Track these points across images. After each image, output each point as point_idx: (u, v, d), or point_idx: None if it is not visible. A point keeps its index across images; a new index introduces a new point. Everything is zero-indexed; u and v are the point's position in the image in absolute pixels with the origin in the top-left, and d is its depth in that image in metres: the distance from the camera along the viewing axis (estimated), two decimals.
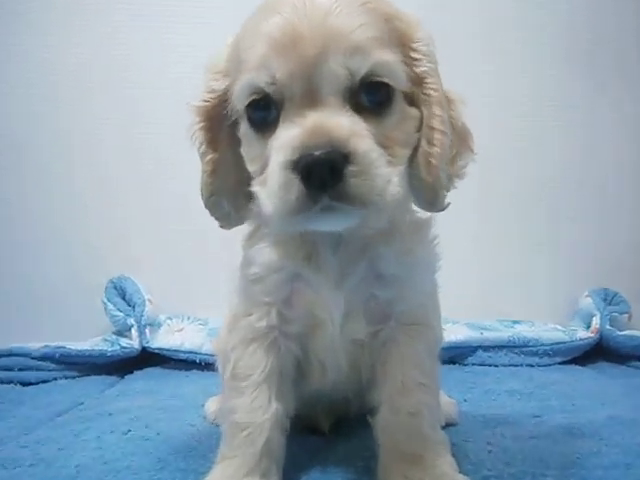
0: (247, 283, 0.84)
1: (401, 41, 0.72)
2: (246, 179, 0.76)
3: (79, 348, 1.54)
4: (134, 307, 1.66)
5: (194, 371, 1.59)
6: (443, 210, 0.80)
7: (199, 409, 1.19)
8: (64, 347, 1.52)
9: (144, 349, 1.61)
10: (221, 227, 0.87)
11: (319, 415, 1.00)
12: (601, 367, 1.65)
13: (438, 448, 0.80)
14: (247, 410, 0.80)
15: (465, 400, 1.28)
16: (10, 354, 1.49)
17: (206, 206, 0.84)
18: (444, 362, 1.59)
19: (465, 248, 1.86)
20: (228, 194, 0.83)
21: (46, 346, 1.52)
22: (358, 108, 0.68)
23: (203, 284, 1.76)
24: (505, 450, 0.95)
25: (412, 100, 0.74)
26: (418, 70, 0.73)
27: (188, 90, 0.80)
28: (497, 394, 1.34)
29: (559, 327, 1.76)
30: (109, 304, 1.67)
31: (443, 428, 1.07)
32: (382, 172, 0.66)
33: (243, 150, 0.76)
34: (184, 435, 1.06)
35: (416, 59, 0.73)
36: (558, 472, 0.87)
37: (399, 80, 0.71)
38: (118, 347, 1.57)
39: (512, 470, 0.87)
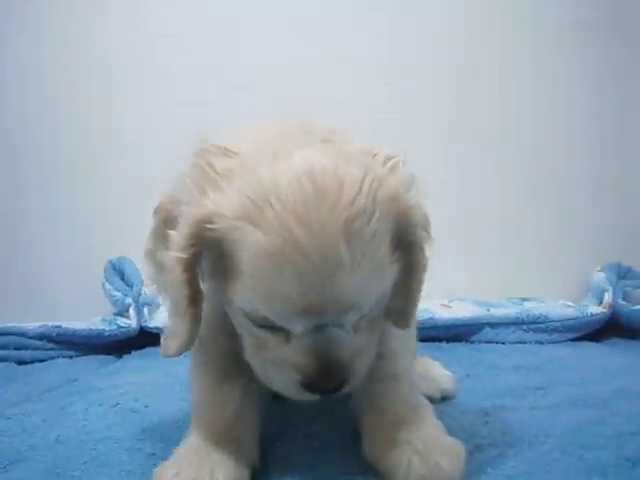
0: None
1: (397, 218, 0.65)
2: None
3: (76, 327, 1.51)
4: (132, 287, 1.63)
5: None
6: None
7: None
8: (61, 326, 1.50)
9: (143, 329, 1.59)
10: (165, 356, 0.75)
11: None
12: (614, 343, 1.57)
13: (422, 410, 0.77)
14: None
15: (468, 375, 1.22)
16: (6, 333, 1.47)
17: (179, 353, 0.73)
18: (449, 339, 1.58)
19: (471, 226, 1.82)
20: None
21: (43, 325, 1.50)
22: None
23: None
24: (503, 420, 0.91)
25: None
26: (408, 239, 0.67)
27: None
28: (502, 369, 1.28)
29: (570, 303, 1.69)
30: (107, 284, 1.65)
31: (440, 401, 1.03)
32: (367, 363, 0.69)
33: (233, 320, 0.70)
34: (173, 408, 1.02)
35: (409, 231, 0.67)
36: (557, 440, 0.82)
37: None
38: (116, 327, 1.54)
39: (508, 438, 0.83)
